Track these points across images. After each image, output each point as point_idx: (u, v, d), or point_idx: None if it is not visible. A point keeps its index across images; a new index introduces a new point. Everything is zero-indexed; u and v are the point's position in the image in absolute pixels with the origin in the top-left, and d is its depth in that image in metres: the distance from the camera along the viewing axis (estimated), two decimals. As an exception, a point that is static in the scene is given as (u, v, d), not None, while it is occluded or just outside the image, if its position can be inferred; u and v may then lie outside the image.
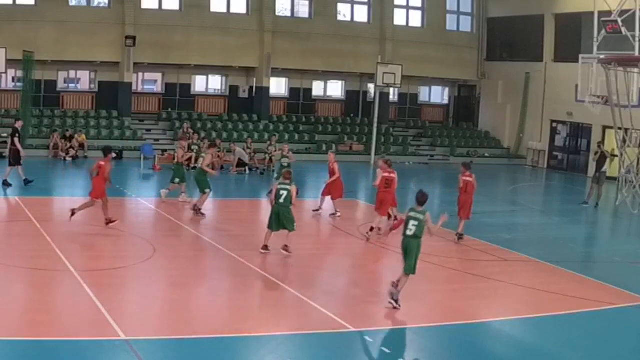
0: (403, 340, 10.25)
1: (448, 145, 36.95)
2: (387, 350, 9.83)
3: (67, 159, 27.97)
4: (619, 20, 23.60)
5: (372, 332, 10.33)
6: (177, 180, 19.99)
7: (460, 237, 16.78)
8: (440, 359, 9.93)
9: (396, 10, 36.95)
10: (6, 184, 20.65)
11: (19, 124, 21.84)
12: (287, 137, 33.67)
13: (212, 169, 19.33)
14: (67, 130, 29.31)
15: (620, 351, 10.58)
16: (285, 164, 21.08)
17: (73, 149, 28.40)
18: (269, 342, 9.86)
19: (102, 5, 32.28)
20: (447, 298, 12.63)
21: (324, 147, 33.41)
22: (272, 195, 14.68)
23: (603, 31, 24.43)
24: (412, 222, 11.53)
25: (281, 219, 14.31)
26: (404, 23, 37.47)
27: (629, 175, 23.80)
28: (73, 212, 15.91)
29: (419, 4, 37.75)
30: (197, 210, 18.10)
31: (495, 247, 16.50)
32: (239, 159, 27.56)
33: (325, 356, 9.70)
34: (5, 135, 28.83)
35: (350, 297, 12.31)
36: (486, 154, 36.77)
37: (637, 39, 23.75)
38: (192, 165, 27.50)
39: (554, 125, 35.52)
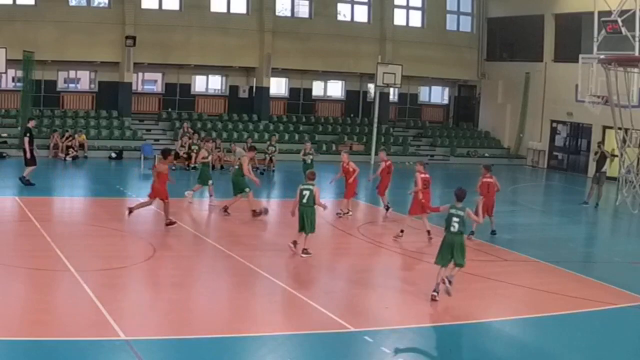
0: (403, 340, 10.25)
1: (448, 145, 36.96)
2: (387, 350, 9.83)
3: (67, 159, 27.97)
4: (619, 20, 23.60)
5: (372, 332, 10.33)
6: (206, 181, 19.90)
7: (493, 232, 17.59)
8: (440, 359, 9.93)
9: (396, 10, 36.96)
10: (27, 182, 20.94)
11: (31, 124, 22.01)
12: (287, 137, 33.70)
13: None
14: (67, 131, 29.33)
15: (620, 351, 10.58)
16: (309, 161, 21.34)
17: (73, 148, 28.40)
18: (269, 342, 9.86)
19: (102, 5, 32.28)
20: (447, 298, 12.60)
21: (324, 147, 33.43)
22: (297, 194, 14.77)
23: (603, 31, 24.43)
24: (454, 219, 11.90)
25: (304, 220, 14.38)
26: (404, 23, 37.48)
27: (629, 175, 23.80)
28: (130, 211, 16.47)
29: (419, 4, 37.76)
30: (225, 209, 18.32)
31: (495, 247, 16.50)
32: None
33: (325, 356, 9.70)
34: (5, 135, 28.90)
35: (350, 297, 12.31)
36: (486, 154, 36.76)
37: (637, 39, 23.75)
38: (192, 165, 27.61)
39: (554, 125, 35.52)
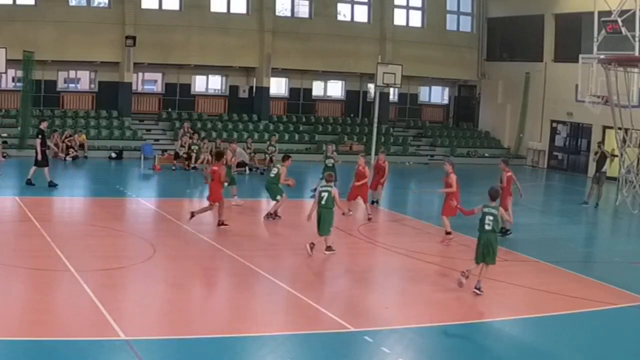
0: (403, 340, 10.24)
1: (448, 145, 36.96)
2: (387, 350, 9.82)
3: (67, 159, 27.97)
4: (619, 20, 23.61)
5: (372, 332, 10.33)
6: (234, 181, 19.93)
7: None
8: (440, 359, 9.93)
9: (396, 10, 36.97)
10: (52, 184, 21.06)
11: (43, 125, 22.16)
12: (287, 137, 33.70)
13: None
14: (66, 131, 29.32)
15: (620, 351, 10.58)
16: (330, 164, 21.39)
17: (73, 148, 28.39)
18: (269, 342, 9.86)
19: (102, 5, 32.28)
20: (446, 298, 12.62)
21: (324, 147, 33.41)
22: (316, 196, 14.96)
23: (603, 31, 24.43)
24: (488, 217, 12.30)
25: (321, 221, 14.49)
26: (404, 23, 37.49)
27: (629, 175, 23.80)
28: (192, 215, 16.77)
29: (419, 4, 37.76)
30: (272, 215, 18.27)
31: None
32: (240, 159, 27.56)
33: (325, 356, 9.70)
34: (5, 135, 28.90)
35: (350, 297, 12.31)
36: (486, 154, 36.77)
37: (637, 39, 23.75)
38: (191, 166, 27.61)
39: (554, 125, 35.53)
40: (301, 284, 12.60)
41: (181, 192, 23.44)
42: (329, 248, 14.78)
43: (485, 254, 12.39)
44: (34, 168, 21.14)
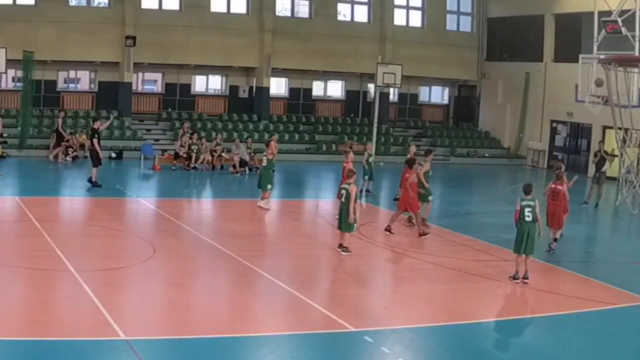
0: (403, 340, 10.24)
1: (448, 145, 36.95)
2: (387, 350, 9.82)
3: (67, 159, 27.96)
4: (619, 20, 23.59)
5: (372, 332, 10.33)
6: (269, 186, 19.70)
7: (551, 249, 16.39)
8: (440, 359, 9.93)
9: (396, 10, 36.94)
10: (96, 184, 21.36)
11: (97, 125, 22.40)
12: (287, 137, 33.70)
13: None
14: (65, 130, 29.32)
15: (620, 351, 10.58)
16: (370, 163, 22.26)
17: (72, 148, 28.38)
18: (269, 342, 9.86)
19: (102, 5, 32.28)
20: (447, 298, 12.63)
21: (324, 147, 33.44)
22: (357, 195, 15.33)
23: (603, 31, 24.42)
24: (527, 210, 13.33)
25: (341, 218, 14.82)
26: (404, 23, 37.46)
27: (629, 175, 23.79)
28: (389, 230, 16.85)
29: (419, 4, 37.75)
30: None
31: (495, 247, 16.49)
32: (241, 158, 27.56)
33: (325, 356, 9.70)
34: (5, 135, 28.89)
35: (350, 297, 12.31)
36: (486, 154, 36.77)
37: (637, 39, 23.74)
38: (192, 166, 27.59)
39: (554, 125, 35.51)
40: (301, 284, 12.60)
41: (181, 192, 23.43)
42: (344, 248, 14.86)
43: (526, 244, 13.24)
44: (94, 169, 21.63)
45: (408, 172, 17.15)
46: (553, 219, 16.11)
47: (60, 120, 27.83)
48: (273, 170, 20.08)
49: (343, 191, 14.90)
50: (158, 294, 11.91)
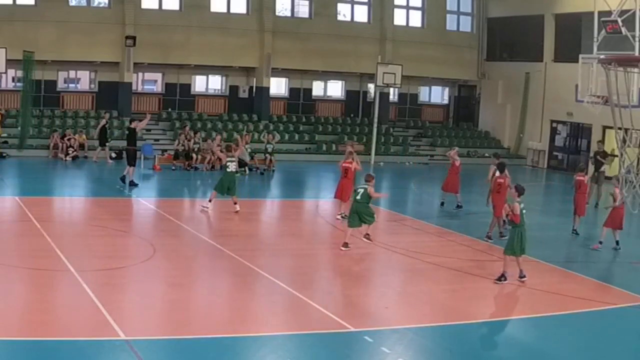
0: (403, 340, 10.24)
1: (448, 145, 36.86)
2: (387, 350, 9.83)
3: (67, 159, 27.97)
4: (619, 20, 23.56)
5: (372, 332, 10.33)
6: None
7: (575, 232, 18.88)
8: (440, 359, 9.93)
9: (396, 10, 36.93)
10: (133, 184, 21.69)
11: (134, 124, 22.77)
12: (287, 137, 33.70)
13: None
14: (67, 129, 29.34)
15: (620, 351, 10.58)
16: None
17: (72, 148, 28.39)
18: (269, 342, 9.86)
19: (102, 5, 32.27)
20: (447, 298, 12.63)
21: (324, 147, 33.43)
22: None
23: (603, 31, 24.39)
24: (523, 212, 13.64)
25: (360, 215, 15.44)
26: (404, 23, 37.45)
27: (628, 175, 23.77)
28: (489, 237, 17.21)
29: (419, 4, 37.74)
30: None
31: (495, 247, 16.50)
32: (240, 158, 27.52)
33: (325, 356, 9.70)
34: (5, 135, 28.89)
35: (350, 297, 12.31)
36: (486, 154, 36.72)
37: (637, 39, 23.71)
38: (192, 166, 27.60)
39: (554, 125, 35.51)
40: (301, 284, 12.61)
41: (181, 192, 23.44)
42: (367, 235, 15.83)
43: (522, 244, 13.56)
44: (132, 169, 22.02)
45: (502, 178, 17.43)
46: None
47: (104, 122, 28.04)
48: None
49: (360, 190, 15.48)
50: (158, 294, 11.92)
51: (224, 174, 19.03)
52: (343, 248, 15.32)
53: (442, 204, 21.65)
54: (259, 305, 11.65)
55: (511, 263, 13.50)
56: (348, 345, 10.03)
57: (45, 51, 29.12)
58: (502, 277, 13.43)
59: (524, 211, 13.53)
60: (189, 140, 28.19)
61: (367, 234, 15.95)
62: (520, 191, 13.79)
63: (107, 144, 28.08)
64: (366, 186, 15.51)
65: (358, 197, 15.48)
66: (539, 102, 35.54)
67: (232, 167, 18.91)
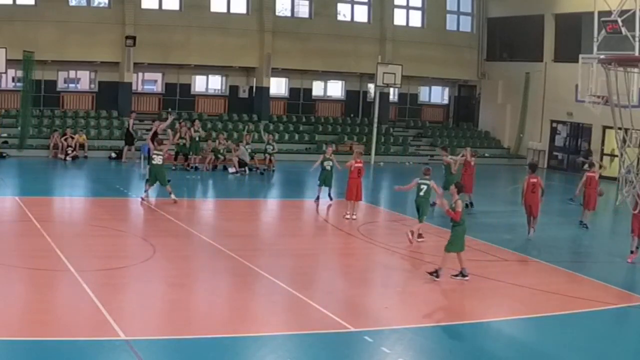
0: (403, 340, 10.24)
1: (448, 145, 36.85)
2: (387, 350, 9.83)
3: (67, 159, 27.97)
4: (619, 20, 23.56)
5: (372, 332, 10.33)
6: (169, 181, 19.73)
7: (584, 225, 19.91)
8: (440, 359, 9.93)
9: (396, 10, 36.93)
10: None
11: (155, 125, 22.68)
12: (287, 137, 33.69)
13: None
14: (68, 128, 29.33)
15: (620, 351, 10.58)
16: (329, 167, 21.81)
17: (71, 147, 28.39)
18: (269, 342, 9.86)
19: (102, 5, 32.27)
20: (447, 298, 12.63)
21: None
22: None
23: (603, 31, 24.39)
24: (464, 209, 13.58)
25: (423, 210, 16.29)
26: (404, 23, 37.45)
27: (629, 175, 23.76)
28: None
29: (419, 4, 37.74)
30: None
31: (495, 247, 16.50)
32: (240, 158, 27.53)
33: (325, 356, 9.70)
34: (5, 135, 28.91)
35: (350, 297, 12.31)
36: (486, 154, 36.72)
37: (637, 39, 23.71)
38: (192, 165, 27.58)
39: (554, 125, 35.51)
40: (301, 284, 12.61)
41: (181, 192, 23.41)
42: (412, 232, 16.26)
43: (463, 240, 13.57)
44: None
45: (533, 177, 17.89)
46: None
47: (131, 121, 28.44)
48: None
49: (424, 186, 16.18)
50: (158, 294, 11.92)
51: (151, 166, 19.57)
52: (419, 240, 16.29)
53: (472, 204, 21.43)
54: (259, 305, 11.65)
55: (451, 260, 13.34)
56: (348, 345, 10.03)
57: (45, 51, 29.12)
58: (434, 273, 13.23)
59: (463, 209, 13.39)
60: (189, 129, 27.91)
61: (412, 231, 16.33)
62: (459, 189, 13.64)
63: (133, 144, 28.17)
64: (429, 182, 16.14)
65: (422, 193, 16.20)
66: (539, 102, 35.54)
67: (157, 159, 19.48)
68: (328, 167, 20.63)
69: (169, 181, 19.70)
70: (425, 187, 16.22)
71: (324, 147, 23.57)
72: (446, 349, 10.16)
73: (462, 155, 21.91)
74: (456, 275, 13.35)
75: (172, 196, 19.42)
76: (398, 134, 37.01)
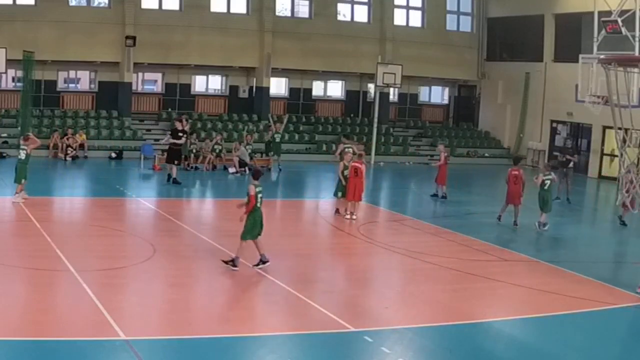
0: (403, 340, 10.24)
1: (448, 145, 36.83)
2: (387, 350, 9.82)
3: (67, 159, 27.97)
4: (619, 20, 23.57)
5: (372, 332, 10.33)
6: (23, 180, 18.77)
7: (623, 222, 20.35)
8: (440, 359, 9.93)
9: (396, 10, 36.94)
10: (176, 182, 22.40)
11: (178, 124, 23.35)
12: (287, 137, 33.68)
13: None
14: (68, 129, 29.34)
15: (620, 351, 10.58)
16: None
17: (71, 147, 28.39)
18: (269, 342, 9.86)
19: (102, 5, 32.28)
20: (447, 298, 12.63)
21: (324, 147, 33.42)
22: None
23: (603, 31, 24.41)
24: (259, 195, 13.33)
25: (547, 202, 18.51)
26: (404, 23, 37.46)
27: (629, 175, 23.74)
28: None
29: (419, 4, 37.74)
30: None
31: (495, 247, 16.50)
32: (240, 158, 27.53)
33: (325, 356, 9.70)
34: (5, 135, 28.91)
35: (350, 297, 12.31)
36: (486, 154, 36.76)
37: (637, 39, 23.72)
38: (192, 166, 27.57)
39: (554, 125, 35.51)
40: (301, 284, 12.60)
41: (181, 192, 23.43)
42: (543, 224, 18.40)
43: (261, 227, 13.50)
44: (174, 167, 22.84)
45: (515, 170, 19.60)
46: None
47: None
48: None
49: (547, 181, 18.46)
50: (158, 294, 11.92)
51: (17, 162, 19.08)
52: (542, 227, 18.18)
53: (441, 196, 22.91)
54: (259, 305, 11.64)
55: (247, 247, 13.18)
56: (348, 345, 10.03)
57: (45, 51, 29.14)
58: (231, 262, 13.08)
59: (259, 195, 13.22)
60: (188, 137, 27.96)
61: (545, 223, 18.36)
62: (256, 175, 13.51)
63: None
64: (551, 176, 18.38)
65: (546, 187, 18.31)
66: (539, 102, 35.54)
67: (21, 154, 19.02)
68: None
69: (23, 180, 18.53)
70: (548, 182, 18.47)
71: (339, 149, 22.97)
72: (446, 349, 10.16)
73: (445, 154, 23.29)
74: (257, 265, 13.19)
75: (18, 197, 18.20)
76: (398, 134, 37.01)
